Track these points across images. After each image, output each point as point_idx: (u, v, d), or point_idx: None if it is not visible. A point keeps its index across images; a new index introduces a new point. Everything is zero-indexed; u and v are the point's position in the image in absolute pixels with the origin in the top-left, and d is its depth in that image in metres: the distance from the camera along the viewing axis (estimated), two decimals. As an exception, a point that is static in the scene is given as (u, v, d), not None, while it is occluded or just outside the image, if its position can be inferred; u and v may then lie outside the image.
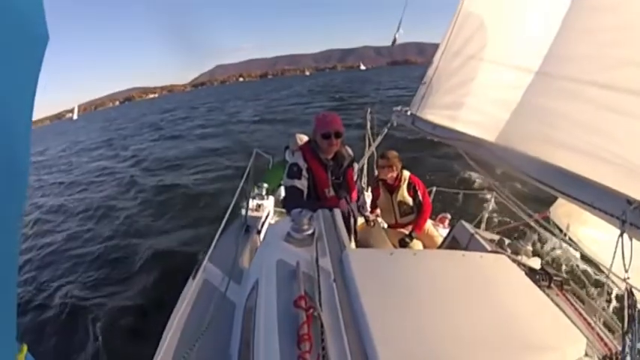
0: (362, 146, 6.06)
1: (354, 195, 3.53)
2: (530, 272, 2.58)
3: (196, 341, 1.99)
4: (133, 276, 7.74)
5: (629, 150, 2.01)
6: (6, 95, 0.66)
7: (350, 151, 3.51)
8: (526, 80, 2.85)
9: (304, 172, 3.25)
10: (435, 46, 4.10)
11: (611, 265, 1.69)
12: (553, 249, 3.16)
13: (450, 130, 3.55)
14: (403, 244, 4.35)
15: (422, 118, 4.16)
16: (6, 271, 0.75)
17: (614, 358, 1.90)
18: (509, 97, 2.99)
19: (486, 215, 5.41)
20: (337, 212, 2.79)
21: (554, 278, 2.59)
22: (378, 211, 5.02)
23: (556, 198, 3.72)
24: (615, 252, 1.65)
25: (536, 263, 2.92)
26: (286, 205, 3.29)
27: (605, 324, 2.36)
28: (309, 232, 2.39)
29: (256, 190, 4.80)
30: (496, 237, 3.44)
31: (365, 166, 6.04)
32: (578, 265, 2.98)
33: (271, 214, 4.71)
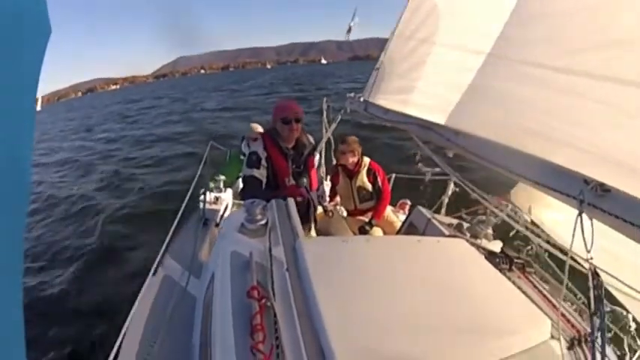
0: (320, 136, 5.96)
1: (315, 183, 3.48)
2: (490, 255, 2.53)
3: (157, 337, 2.04)
4: (90, 270, 7.47)
5: (584, 131, 1.96)
6: (10, 89, 0.64)
7: (311, 139, 3.46)
8: (479, 63, 2.78)
9: (263, 162, 3.17)
10: (397, 41, 4.13)
11: (571, 245, 1.63)
12: (516, 232, 3.11)
13: (401, 114, 3.45)
14: (363, 231, 4.30)
15: (374, 103, 4.07)
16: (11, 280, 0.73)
17: (582, 339, 1.86)
18: (462, 81, 2.92)
19: (446, 200, 5.42)
20: (291, 202, 2.73)
21: (516, 261, 2.55)
22: (338, 199, 4.96)
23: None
24: (574, 232, 1.59)
25: (496, 246, 2.88)
26: (244, 195, 3.22)
27: (573, 306, 2.31)
28: (263, 222, 2.35)
29: (214, 183, 4.65)
30: (455, 221, 3.39)
31: (323, 155, 5.94)
32: (542, 248, 2.94)
33: (230, 206, 4.60)
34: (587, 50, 1.96)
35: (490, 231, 3.09)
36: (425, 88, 3.53)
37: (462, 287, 2.00)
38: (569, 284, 2.43)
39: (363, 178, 4.53)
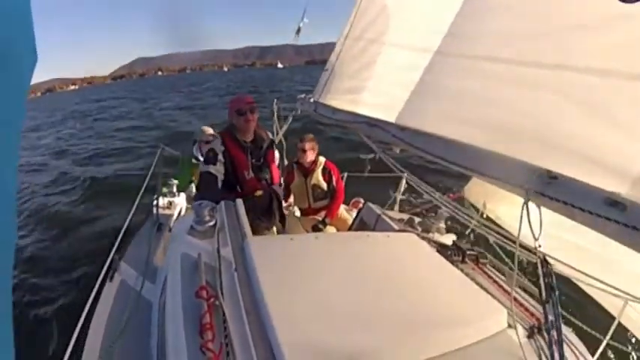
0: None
1: (276, 178, 3.45)
2: (442, 248, 2.56)
3: (113, 343, 2.00)
4: (45, 276, 6.91)
5: (532, 120, 1.97)
6: None
7: (269, 134, 3.44)
8: (426, 60, 2.78)
9: (220, 157, 3.10)
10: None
11: (519, 234, 1.63)
12: (470, 226, 3.13)
13: (349, 113, 3.45)
14: (316, 230, 4.25)
15: (324, 104, 4.05)
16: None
17: (543, 327, 1.84)
18: (411, 79, 2.92)
19: (399, 197, 5.44)
20: (239, 202, 2.71)
21: (468, 253, 2.57)
22: (292, 199, 4.89)
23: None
24: (521, 221, 1.60)
25: (449, 240, 2.92)
26: (198, 191, 3.28)
27: (531, 294, 2.32)
28: (211, 223, 2.31)
29: (167, 188, 4.55)
30: (406, 216, 3.40)
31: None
32: (495, 240, 2.97)
33: (183, 210, 4.50)
34: (531, 40, 1.98)
35: (442, 225, 3.10)
36: (375, 87, 3.53)
37: (412, 280, 1.99)
38: (521, 275, 2.43)
39: (319, 177, 4.48)
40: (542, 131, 1.87)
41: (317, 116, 4.08)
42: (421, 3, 3.00)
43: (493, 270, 2.55)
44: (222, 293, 1.70)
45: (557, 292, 1.59)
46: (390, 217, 3.23)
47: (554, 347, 1.58)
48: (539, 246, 1.56)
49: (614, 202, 1.31)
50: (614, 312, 2.21)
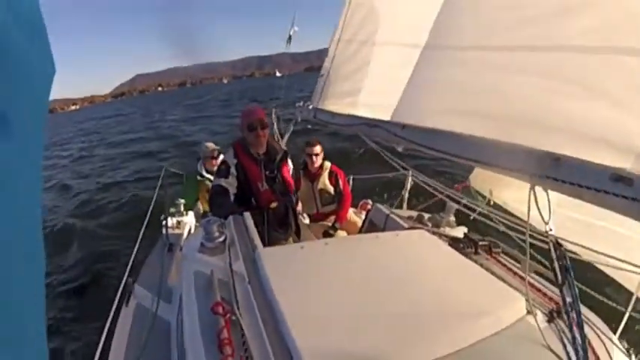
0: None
1: (291, 188, 3.43)
2: (454, 242, 2.54)
3: None
4: (58, 304, 6.86)
5: (526, 104, 1.96)
6: (17, 132, 0.59)
7: (282, 145, 3.48)
8: (417, 56, 2.78)
9: (232, 170, 3.11)
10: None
11: (528, 218, 1.64)
12: (479, 216, 3.13)
13: (348, 116, 3.45)
14: (327, 235, 4.25)
15: (323, 109, 4.07)
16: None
17: (562, 310, 1.83)
18: (404, 75, 2.91)
19: (406, 195, 5.42)
20: (247, 216, 2.73)
21: (480, 243, 2.56)
22: (300, 206, 4.85)
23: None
24: (529, 206, 1.59)
25: (460, 232, 2.89)
26: (210, 205, 3.23)
27: (547, 278, 2.31)
28: (221, 239, 2.33)
29: (174, 208, 4.55)
30: (415, 213, 3.38)
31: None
32: (505, 227, 2.98)
33: (193, 229, 4.49)
34: (518, 25, 1.97)
35: (452, 218, 3.09)
36: (371, 87, 3.56)
37: (427, 276, 1.99)
38: (540, 262, 2.42)
39: (325, 181, 4.50)
40: (540, 115, 1.85)
41: (317, 122, 4.10)
42: (407, 0, 3.02)
43: (507, 258, 2.53)
44: (237, 307, 1.71)
45: (572, 274, 1.57)
46: (399, 216, 3.22)
47: (574, 329, 1.56)
48: (550, 229, 1.56)
49: (620, 177, 1.30)
50: (631, 287, 2.20)
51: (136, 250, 3.32)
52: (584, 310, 1.75)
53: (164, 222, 4.03)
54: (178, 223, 4.35)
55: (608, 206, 1.35)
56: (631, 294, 2.16)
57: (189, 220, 4.57)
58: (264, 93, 53.86)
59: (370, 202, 5.25)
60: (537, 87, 1.88)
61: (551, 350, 1.62)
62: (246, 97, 58.79)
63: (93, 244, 9.12)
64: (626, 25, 1.51)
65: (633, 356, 1.90)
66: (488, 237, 2.76)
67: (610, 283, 2.39)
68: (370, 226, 3.62)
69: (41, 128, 0.68)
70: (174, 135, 27.04)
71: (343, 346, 1.46)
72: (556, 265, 1.61)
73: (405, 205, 5.36)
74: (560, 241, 1.66)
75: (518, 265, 2.46)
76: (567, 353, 1.62)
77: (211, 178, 4.92)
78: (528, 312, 1.80)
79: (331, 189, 4.50)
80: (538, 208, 1.54)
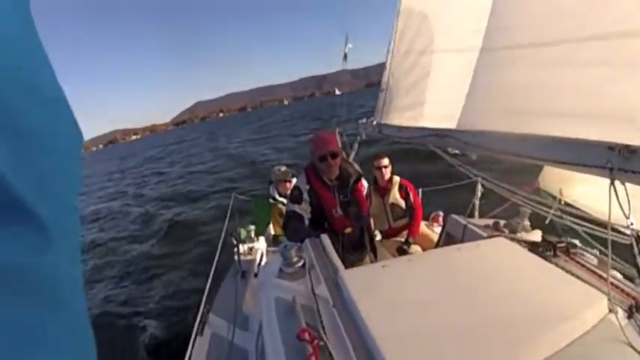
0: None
1: (366, 211, 3.34)
2: (533, 246, 2.48)
3: None
4: (134, 335, 7.04)
5: (593, 98, 1.91)
6: (57, 202, 0.57)
7: (356, 166, 3.35)
8: (476, 60, 2.76)
9: (305, 196, 3.11)
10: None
11: (609, 215, 1.57)
12: (552, 217, 3.06)
13: (416, 129, 3.45)
14: (402, 251, 4.20)
15: (387, 124, 4.06)
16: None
17: None
18: (465, 81, 2.90)
19: (477, 203, 5.27)
20: (324, 237, 2.70)
21: (558, 245, 2.47)
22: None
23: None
24: (610, 202, 1.54)
25: (536, 236, 2.82)
26: (285, 231, 3.21)
27: (625, 275, 2.21)
28: (300, 264, 2.31)
29: (245, 234, 4.64)
30: (490, 221, 3.31)
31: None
32: (580, 226, 2.89)
33: (264, 254, 4.54)
34: (572, 16, 1.93)
35: (527, 222, 3.02)
36: (433, 97, 3.52)
37: (511, 284, 1.95)
38: (614, 257, 2.33)
39: (396, 195, 4.46)
40: (609, 106, 1.80)
41: (383, 137, 4.10)
42: (456, 4, 3.02)
43: (585, 257, 2.45)
44: (324, 332, 1.70)
45: None
46: (476, 225, 3.15)
47: None
48: (632, 224, 1.50)
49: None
50: None
51: (210, 278, 3.36)
52: None
53: (235, 249, 4.10)
54: (250, 249, 4.42)
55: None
56: None
57: (261, 245, 4.63)
58: (325, 112, 54.80)
59: (441, 213, 5.16)
60: (603, 77, 1.83)
61: (633, 347, 1.55)
62: (307, 116, 60.02)
63: (164, 272, 9.52)
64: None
65: None
66: (565, 237, 2.70)
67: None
68: (448, 238, 3.56)
69: (74, 196, 0.65)
70: (240, 156, 28.11)
71: None
72: (638, 259, 1.55)
73: (476, 214, 5.22)
74: None
75: (594, 263, 2.38)
76: None
77: (284, 201, 4.99)
78: (610, 310, 1.74)
79: (402, 203, 4.45)
80: (619, 203, 1.49)
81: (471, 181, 5.02)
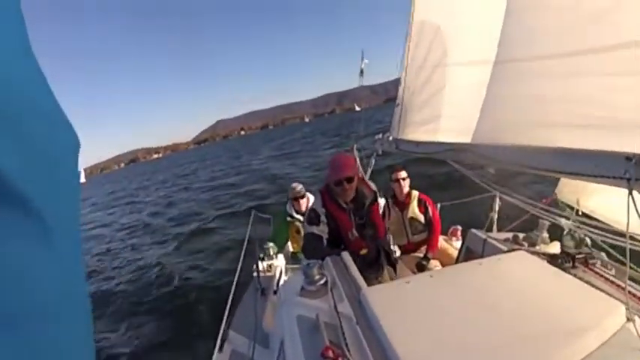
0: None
1: (382, 231, 3.34)
2: (552, 259, 2.50)
3: None
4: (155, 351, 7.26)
5: (609, 108, 1.91)
6: (53, 211, 0.60)
7: (373, 186, 3.35)
8: (495, 73, 2.76)
9: (322, 218, 3.13)
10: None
11: (627, 226, 1.59)
12: (569, 229, 3.08)
13: (433, 144, 3.46)
14: (421, 267, 4.18)
15: (404, 139, 4.07)
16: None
17: None
18: (480, 95, 2.90)
19: (495, 217, 5.24)
20: (345, 255, 2.74)
21: (577, 257, 2.49)
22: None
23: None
24: (629, 212, 1.55)
25: (555, 248, 2.86)
26: (305, 252, 3.22)
27: None
28: (322, 281, 2.36)
29: (264, 252, 4.67)
30: (510, 235, 3.31)
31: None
32: (598, 236, 2.92)
33: (283, 271, 4.56)
34: (582, 27, 1.95)
35: (546, 235, 3.02)
36: (448, 111, 3.52)
37: (532, 297, 1.96)
38: (632, 266, 2.34)
39: (415, 210, 4.46)
40: (626, 116, 1.80)
41: (400, 153, 4.11)
42: (470, 17, 3.03)
43: (603, 268, 2.45)
44: (348, 349, 1.72)
45: None
46: (496, 239, 3.15)
47: None
48: None
49: None
50: None
51: (231, 295, 3.42)
52: None
53: (255, 266, 4.15)
54: (269, 266, 4.45)
55: None
56: None
57: (280, 262, 4.67)
58: (345, 128, 55.69)
59: (459, 227, 5.14)
60: (618, 86, 1.83)
61: None
62: (327, 133, 60.86)
63: (183, 288, 9.59)
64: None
65: None
66: (582, 248, 2.73)
67: None
68: (468, 253, 3.55)
69: (76, 207, 0.70)
70: (263, 172, 28.68)
71: None
72: None
73: (494, 228, 5.19)
74: None
75: (612, 273, 2.38)
76: None
77: (300, 218, 5.05)
78: (628, 319, 1.75)
79: (421, 217, 4.45)
80: (637, 212, 1.50)
81: (487, 195, 5.02)
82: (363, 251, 3.16)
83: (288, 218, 5.21)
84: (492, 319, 1.81)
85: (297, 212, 5.14)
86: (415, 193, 4.51)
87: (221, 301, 3.41)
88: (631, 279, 2.24)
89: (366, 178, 5.32)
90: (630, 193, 1.55)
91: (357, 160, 5.59)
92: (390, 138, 4.41)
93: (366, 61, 5.05)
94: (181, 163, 79.73)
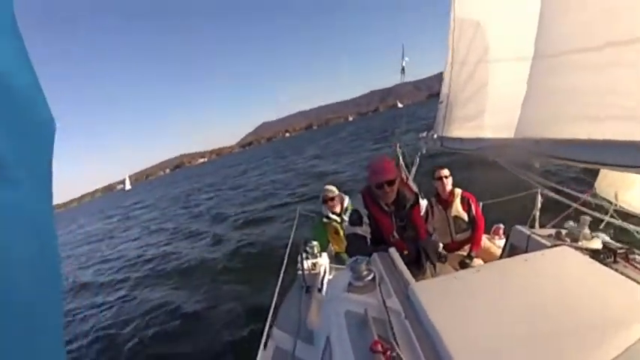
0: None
1: (423, 234, 3.36)
2: (594, 253, 2.50)
3: None
4: (195, 340, 7.51)
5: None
6: (23, 185, 0.70)
7: (414, 188, 3.41)
8: (535, 67, 2.76)
9: (365, 219, 3.21)
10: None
11: None
12: (609, 223, 3.07)
13: (478, 140, 3.48)
14: (464, 266, 4.22)
15: (449, 137, 4.07)
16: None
17: None
18: (525, 90, 2.90)
19: (537, 214, 5.16)
20: (393, 251, 2.77)
21: (618, 251, 2.49)
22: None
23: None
24: None
25: (597, 243, 2.82)
26: (349, 252, 3.28)
27: None
28: (370, 277, 2.39)
29: (309, 250, 4.75)
30: (553, 231, 3.28)
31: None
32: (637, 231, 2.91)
33: (327, 269, 4.63)
34: (622, 17, 1.94)
35: (587, 230, 3.00)
36: (493, 108, 3.52)
37: (575, 291, 1.98)
38: None
39: (458, 208, 4.47)
40: None
41: (444, 150, 4.12)
42: (507, 12, 3.04)
43: None
44: (397, 344, 1.76)
45: None
46: (540, 235, 3.14)
47: None
48: None
49: None
50: None
51: (276, 292, 3.48)
52: None
53: (300, 264, 4.21)
54: (314, 264, 4.50)
55: None
56: None
57: (324, 261, 4.71)
58: (388, 125, 55.41)
59: (502, 226, 5.10)
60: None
61: None
62: (372, 131, 61.30)
63: (229, 285, 9.87)
64: None
65: None
66: (622, 242, 2.74)
67: None
68: (512, 250, 3.55)
69: (47, 175, 0.80)
70: (309, 171, 29.37)
71: None
72: None
73: (537, 224, 5.12)
74: None
75: None
76: None
77: (336, 218, 5.17)
78: None
79: (465, 216, 4.45)
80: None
81: (527, 193, 4.97)
82: (404, 253, 3.16)
83: (325, 219, 5.31)
84: (537, 312, 1.82)
85: (333, 213, 5.23)
86: (458, 191, 4.51)
87: (264, 298, 3.47)
88: None
89: (411, 177, 5.33)
90: None
91: (400, 159, 5.60)
92: (435, 136, 4.43)
93: (406, 58, 5.08)
94: (229, 165, 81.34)
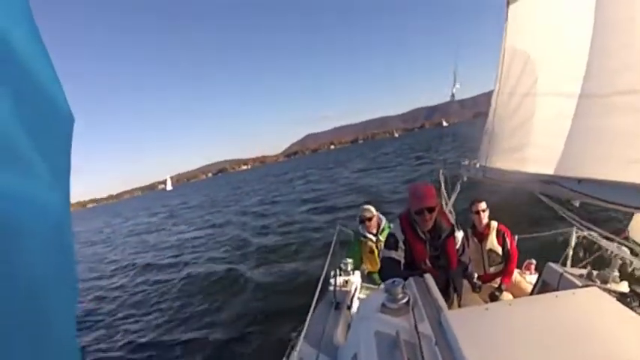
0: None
1: (454, 264, 3.38)
2: (622, 297, 2.53)
3: None
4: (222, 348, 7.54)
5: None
6: (41, 178, 0.74)
7: (451, 218, 3.41)
8: (582, 106, 2.77)
9: (401, 244, 3.23)
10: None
11: None
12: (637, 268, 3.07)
13: (521, 173, 3.46)
14: (494, 298, 4.19)
15: (491, 167, 4.07)
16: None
17: None
18: (571, 127, 2.90)
19: (571, 252, 5.09)
20: (428, 277, 2.80)
21: None
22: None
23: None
24: None
25: (624, 287, 2.85)
26: (382, 276, 3.30)
27: None
28: (404, 300, 2.40)
29: (342, 267, 4.78)
30: (584, 271, 3.27)
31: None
32: None
33: (358, 288, 4.64)
34: None
35: (617, 273, 2.98)
36: (536, 141, 3.50)
37: (603, 333, 1.99)
38: None
39: (494, 241, 4.43)
40: None
41: (486, 180, 4.12)
42: (560, 47, 3.03)
43: None
44: None
45: None
46: (572, 274, 3.14)
47: None
48: None
49: None
50: None
51: (312, 308, 3.48)
52: None
53: (332, 280, 4.27)
54: (346, 282, 4.51)
55: None
56: None
57: (356, 279, 4.72)
58: (433, 143, 54.86)
59: (534, 261, 5.04)
60: None
61: None
62: (416, 149, 60.83)
63: (263, 295, 9.93)
64: None
65: None
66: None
67: None
68: (543, 286, 3.53)
69: (67, 178, 0.84)
70: (352, 185, 29.42)
71: None
72: None
73: (568, 263, 5.04)
74: None
75: None
76: None
77: (372, 238, 5.18)
78: None
79: (499, 249, 4.42)
80: None
81: (562, 231, 4.93)
82: None
83: (361, 238, 5.31)
84: (565, 351, 1.83)
85: (369, 233, 5.24)
86: (494, 224, 4.48)
87: (294, 311, 3.48)
88: None
89: (450, 203, 5.32)
90: None
91: (442, 185, 5.60)
92: (478, 165, 4.43)
93: (457, 85, 5.07)
94: (277, 174, 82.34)
